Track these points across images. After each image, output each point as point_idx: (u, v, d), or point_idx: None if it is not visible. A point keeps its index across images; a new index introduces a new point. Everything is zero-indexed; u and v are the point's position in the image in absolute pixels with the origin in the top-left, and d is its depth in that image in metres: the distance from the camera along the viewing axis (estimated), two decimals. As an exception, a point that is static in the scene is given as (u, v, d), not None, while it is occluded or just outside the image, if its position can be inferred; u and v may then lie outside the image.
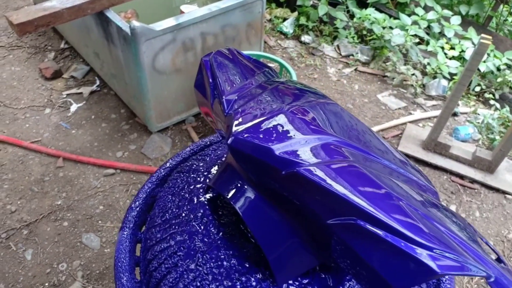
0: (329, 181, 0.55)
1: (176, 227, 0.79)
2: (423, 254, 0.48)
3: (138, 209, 0.93)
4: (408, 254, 0.49)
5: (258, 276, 0.71)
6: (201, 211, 0.80)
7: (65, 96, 2.61)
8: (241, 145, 0.61)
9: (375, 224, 0.50)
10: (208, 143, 1.05)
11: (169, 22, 2.01)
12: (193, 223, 0.78)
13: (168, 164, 1.02)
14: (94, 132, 2.41)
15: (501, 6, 3.07)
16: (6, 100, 2.57)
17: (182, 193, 0.86)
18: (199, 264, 0.73)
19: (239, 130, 0.63)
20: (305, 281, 0.71)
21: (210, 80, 0.75)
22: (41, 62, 2.81)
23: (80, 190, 2.13)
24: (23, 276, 1.81)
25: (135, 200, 0.95)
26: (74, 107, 2.54)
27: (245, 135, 0.62)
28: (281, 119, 0.65)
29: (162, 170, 1.01)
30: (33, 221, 2.00)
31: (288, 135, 0.63)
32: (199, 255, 0.74)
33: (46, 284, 1.79)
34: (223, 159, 0.90)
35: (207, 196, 0.83)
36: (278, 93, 0.74)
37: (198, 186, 0.85)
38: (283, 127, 0.64)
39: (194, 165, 0.93)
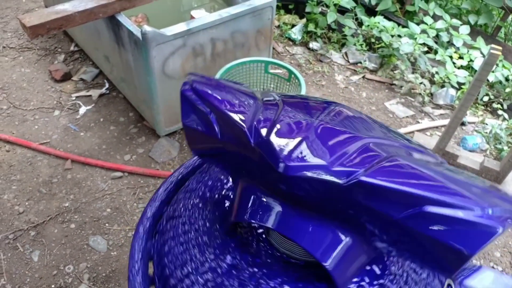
0: (390, 180, 0.58)
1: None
2: (483, 217, 0.55)
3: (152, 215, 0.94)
4: (473, 222, 0.55)
5: None
6: (229, 249, 0.79)
7: (74, 98, 2.63)
8: (295, 171, 0.61)
9: (440, 205, 0.56)
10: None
11: (180, 27, 2.03)
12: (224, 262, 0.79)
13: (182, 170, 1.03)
14: (103, 135, 2.43)
15: (510, 16, 3.07)
16: (15, 102, 2.59)
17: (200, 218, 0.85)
18: None
19: (284, 155, 0.62)
20: (355, 280, 0.73)
21: (208, 111, 0.71)
22: (51, 64, 2.83)
23: (87, 193, 2.14)
24: (29, 277, 1.82)
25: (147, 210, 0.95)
26: (83, 110, 2.56)
27: (295, 160, 0.62)
28: (314, 134, 0.66)
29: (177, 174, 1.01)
30: (41, 223, 2.01)
31: (332, 148, 0.64)
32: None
33: (53, 286, 1.80)
34: (228, 185, 0.89)
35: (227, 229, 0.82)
36: (294, 109, 0.73)
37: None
38: (322, 142, 0.65)
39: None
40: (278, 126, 0.67)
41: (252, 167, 0.70)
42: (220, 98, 0.72)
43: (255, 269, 0.76)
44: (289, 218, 0.69)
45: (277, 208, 0.69)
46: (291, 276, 0.75)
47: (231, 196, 0.85)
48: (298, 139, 0.64)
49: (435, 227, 0.57)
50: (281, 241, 0.77)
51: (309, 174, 0.61)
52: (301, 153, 0.62)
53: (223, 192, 0.87)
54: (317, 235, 0.67)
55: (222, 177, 0.90)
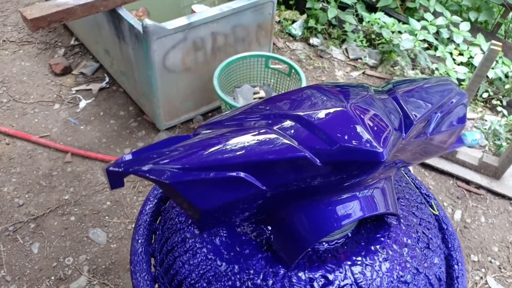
0: None
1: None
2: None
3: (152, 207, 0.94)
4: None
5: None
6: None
7: (74, 92, 2.63)
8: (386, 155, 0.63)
9: None
10: None
11: (181, 21, 2.03)
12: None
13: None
14: (103, 128, 2.43)
15: (510, 13, 3.07)
16: (15, 95, 2.59)
17: None
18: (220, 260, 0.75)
19: (374, 145, 0.62)
20: None
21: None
22: (51, 58, 2.83)
23: (87, 186, 2.15)
24: (29, 269, 1.83)
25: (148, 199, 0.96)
26: (83, 103, 2.56)
27: (382, 145, 0.63)
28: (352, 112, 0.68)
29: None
30: (41, 215, 2.01)
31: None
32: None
33: (52, 277, 1.80)
34: None
35: None
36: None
37: None
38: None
39: None
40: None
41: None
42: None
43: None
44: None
45: None
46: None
47: None
48: (357, 125, 0.64)
49: None
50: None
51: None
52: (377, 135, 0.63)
53: None
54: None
55: None
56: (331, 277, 0.72)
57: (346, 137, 0.60)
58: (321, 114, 0.64)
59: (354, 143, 0.59)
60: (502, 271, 1.97)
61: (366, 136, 0.61)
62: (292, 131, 0.62)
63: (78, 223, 2.00)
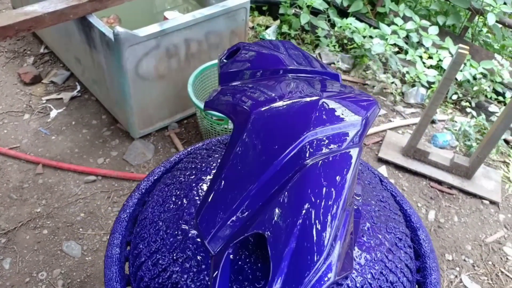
0: None
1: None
2: None
3: (126, 218, 0.92)
4: None
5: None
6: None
7: (44, 101, 2.57)
8: None
9: None
10: (193, 150, 1.04)
11: (153, 28, 2.01)
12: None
13: (157, 171, 1.01)
14: (75, 138, 2.38)
15: (477, 17, 3.17)
16: (-17, 106, 2.51)
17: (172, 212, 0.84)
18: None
19: None
20: None
21: None
22: (20, 67, 2.76)
23: (60, 197, 2.09)
24: (1, 286, 1.77)
25: (124, 209, 0.94)
26: (54, 113, 2.50)
27: None
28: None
29: (151, 177, 1.00)
30: (12, 229, 1.95)
31: None
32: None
33: (25, 293, 1.75)
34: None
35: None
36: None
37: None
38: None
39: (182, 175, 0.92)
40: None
41: None
42: None
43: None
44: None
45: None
46: None
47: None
48: None
49: None
50: None
51: None
52: None
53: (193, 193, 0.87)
54: None
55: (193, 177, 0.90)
56: None
57: None
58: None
59: None
60: (475, 269, 2.02)
61: None
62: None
63: (51, 236, 1.94)
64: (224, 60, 0.89)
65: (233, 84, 0.78)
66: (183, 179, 0.86)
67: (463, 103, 2.85)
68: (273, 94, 0.69)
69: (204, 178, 0.85)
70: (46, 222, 1.99)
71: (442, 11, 3.26)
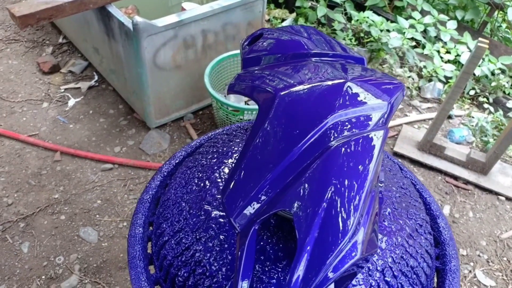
0: None
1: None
2: None
3: (149, 199, 0.94)
4: None
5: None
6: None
7: (63, 90, 2.61)
8: None
9: None
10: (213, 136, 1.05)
11: (171, 18, 2.02)
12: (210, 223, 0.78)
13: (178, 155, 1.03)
14: (92, 127, 2.41)
15: (496, 12, 3.13)
16: (3, 94, 2.56)
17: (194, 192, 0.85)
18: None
19: None
20: None
21: None
22: (39, 56, 2.80)
23: (77, 184, 2.13)
24: (19, 268, 1.81)
25: (147, 190, 0.95)
26: (72, 102, 2.54)
27: None
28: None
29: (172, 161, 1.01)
30: (30, 214, 1.99)
31: None
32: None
33: (43, 277, 1.79)
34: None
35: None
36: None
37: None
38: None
39: (203, 160, 0.93)
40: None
41: None
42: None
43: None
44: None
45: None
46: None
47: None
48: None
49: None
50: None
51: None
52: None
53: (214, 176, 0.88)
54: None
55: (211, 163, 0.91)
56: None
57: None
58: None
59: None
60: (490, 265, 2.01)
61: None
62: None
63: (68, 222, 1.98)
64: (247, 46, 0.89)
65: (256, 68, 0.78)
66: (205, 162, 0.88)
67: (481, 99, 2.82)
68: (298, 77, 0.69)
69: (226, 161, 0.86)
70: (63, 208, 2.03)
71: (461, 6, 3.22)
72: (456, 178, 2.33)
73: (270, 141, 0.63)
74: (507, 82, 2.80)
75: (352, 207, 0.56)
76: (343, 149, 0.60)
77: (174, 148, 2.35)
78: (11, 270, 1.80)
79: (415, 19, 2.98)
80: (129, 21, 1.98)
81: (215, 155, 0.89)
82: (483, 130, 2.56)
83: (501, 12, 3.09)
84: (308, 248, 0.53)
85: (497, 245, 2.09)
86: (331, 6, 3.21)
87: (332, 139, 0.61)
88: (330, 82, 0.66)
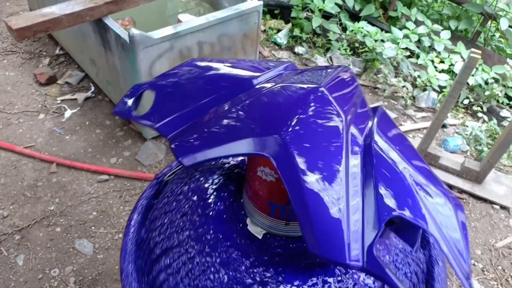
0: None
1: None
2: None
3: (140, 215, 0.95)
4: None
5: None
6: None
7: (59, 102, 2.62)
8: None
9: None
10: None
11: (167, 30, 2.04)
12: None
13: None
14: (88, 138, 2.42)
15: (489, 22, 3.16)
16: (0, 105, 2.57)
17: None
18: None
19: None
20: None
21: None
22: (36, 67, 2.81)
23: (73, 196, 2.13)
24: (14, 281, 1.80)
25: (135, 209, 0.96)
26: (68, 113, 2.54)
27: None
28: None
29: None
30: (26, 226, 1.99)
31: None
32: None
33: (38, 289, 1.78)
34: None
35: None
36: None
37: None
38: None
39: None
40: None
41: None
42: None
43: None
44: None
45: None
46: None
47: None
48: None
49: None
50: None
51: None
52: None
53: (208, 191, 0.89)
54: None
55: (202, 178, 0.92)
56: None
57: None
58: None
59: None
60: (485, 274, 2.01)
61: None
62: None
63: (64, 234, 1.98)
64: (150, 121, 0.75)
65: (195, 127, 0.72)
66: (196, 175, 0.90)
67: (475, 108, 2.84)
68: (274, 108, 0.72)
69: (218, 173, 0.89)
70: (59, 220, 2.03)
71: (455, 16, 3.26)
72: (450, 187, 2.34)
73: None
74: (501, 91, 2.82)
75: None
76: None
77: (170, 159, 2.35)
78: (6, 283, 1.79)
79: (409, 29, 3.01)
80: (125, 33, 1.99)
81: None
82: (477, 139, 2.58)
83: (494, 21, 3.13)
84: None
85: (492, 254, 2.10)
86: (326, 16, 3.24)
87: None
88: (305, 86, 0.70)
